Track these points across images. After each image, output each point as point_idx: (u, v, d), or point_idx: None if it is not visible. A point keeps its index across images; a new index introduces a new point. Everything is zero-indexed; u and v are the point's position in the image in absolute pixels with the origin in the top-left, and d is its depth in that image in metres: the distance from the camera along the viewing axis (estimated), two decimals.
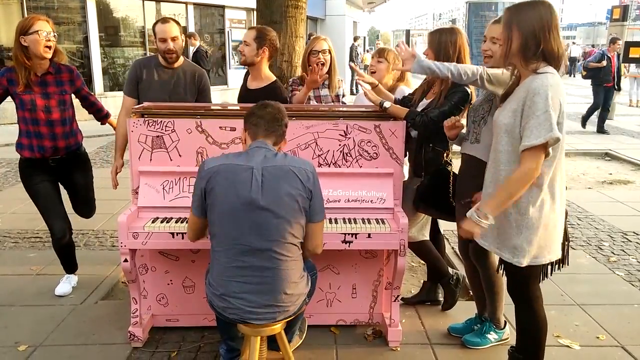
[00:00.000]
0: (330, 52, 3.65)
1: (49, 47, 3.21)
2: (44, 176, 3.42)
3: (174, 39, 3.39)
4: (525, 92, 2.19)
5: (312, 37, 3.82)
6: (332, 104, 3.72)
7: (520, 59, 2.24)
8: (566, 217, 2.44)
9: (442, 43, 2.95)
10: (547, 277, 2.48)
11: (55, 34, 3.27)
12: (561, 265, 2.48)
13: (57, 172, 3.48)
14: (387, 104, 3.03)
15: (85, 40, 12.64)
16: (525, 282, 2.42)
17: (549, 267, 2.44)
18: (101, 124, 3.77)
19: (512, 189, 2.19)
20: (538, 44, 2.18)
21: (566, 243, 2.48)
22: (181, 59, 3.53)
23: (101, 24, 13.10)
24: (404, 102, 3.24)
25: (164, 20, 3.45)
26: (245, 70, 3.71)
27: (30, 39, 3.16)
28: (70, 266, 3.75)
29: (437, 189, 3.05)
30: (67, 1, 12.39)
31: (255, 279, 2.22)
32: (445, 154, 3.10)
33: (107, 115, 3.72)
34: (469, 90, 2.98)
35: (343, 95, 3.83)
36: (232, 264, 2.23)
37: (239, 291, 2.23)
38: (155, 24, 3.47)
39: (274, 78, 3.62)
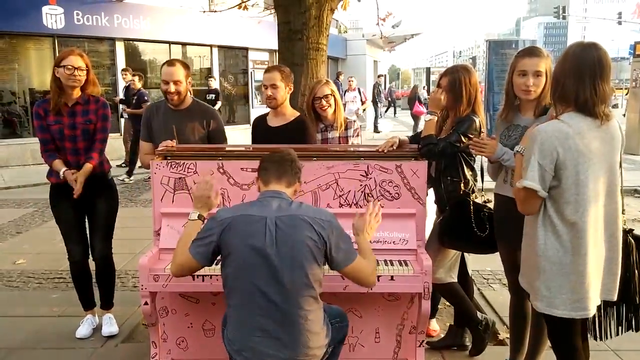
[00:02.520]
0: (334, 95, 3.66)
1: (76, 81, 3.36)
2: (68, 201, 3.46)
3: (176, 82, 3.41)
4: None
5: (315, 81, 3.84)
6: (349, 145, 3.71)
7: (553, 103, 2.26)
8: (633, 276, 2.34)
9: (459, 83, 3.03)
10: (598, 337, 2.38)
11: (88, 68, 3.42)
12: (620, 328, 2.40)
13: (82, 198, 3.46)
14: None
15: (114, 83, 13.01)
16: (557, 330, 2.33)
17: (599, 324, 2.37)
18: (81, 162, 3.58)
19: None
20: (557, 87, 2.18)
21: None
22: (189, 100, 3.55)
23: (129, 67, 13.52)
24: (416, 138, 3.28)
25: (170, 62, 3.50)
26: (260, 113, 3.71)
27: (60, 72, 3.35)
28: (86, 301, 3.74)
29: (459, 220, 3.01)
30: (96, 45, 12.85)
31: (273, 333, 2.16)
32: (462, 184, 3.08)
33: (92, 159, 3.47)
34: (477, 119, 3.02)
35: (355, 135, 3.76)
36: (250, 319, 2.18)
37: (256, 347, 2.17)
38: (163, 64, 3.53)
39: (298, 113, 3.61)
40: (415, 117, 16.20)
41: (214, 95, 12.63)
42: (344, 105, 9.73)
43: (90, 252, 3.65)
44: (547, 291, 2.25)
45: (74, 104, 3.44)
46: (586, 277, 2.21)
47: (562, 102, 2.20)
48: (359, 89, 13.35)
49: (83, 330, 3.63)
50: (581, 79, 2.14)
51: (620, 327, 2.42)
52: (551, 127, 2.15)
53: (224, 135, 3.63)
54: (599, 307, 2.31)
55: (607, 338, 2.41)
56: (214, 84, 12.23)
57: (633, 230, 2.40)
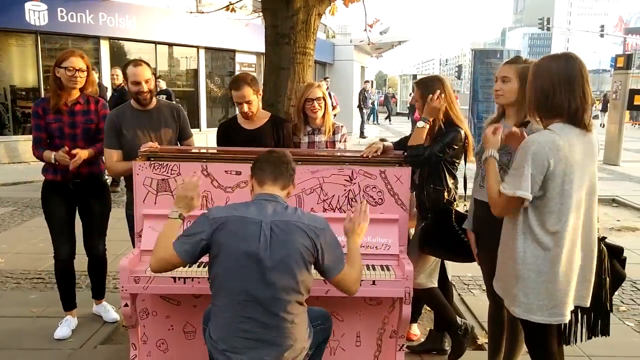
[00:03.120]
0: (324, 99, 3.69)
1: (77, 83, 3.42)
2: (62, 199, 3.54)
3: (147, 81, 3.40)
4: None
5: (306, 84, 3.87)
6: (334, 149, 3.73)
7: (534, 114, 2.28)
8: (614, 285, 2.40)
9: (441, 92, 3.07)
10: (567, 342, 2.43)
11: (89, 69, 3.49)
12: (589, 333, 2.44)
13: (76, 197, 3.56)
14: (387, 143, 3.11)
15: (98, 82, 12.86)
16: (533, 335, 2.36)
17: (569, 329, 2.40)
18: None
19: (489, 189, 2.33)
20: (547, 99, 2.20)
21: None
22: (154, 99, 3.55)
23: (114, 66, 13.41)
24: (400, 144, 3.31)
25: (136, 63, 3.47)
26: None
27: (61, 72, 3.40)
28: (68, 301, 3.74)
29: (440, 228, 3.04)
30: (81, 43, 12.71)
31: (258, 335, 2.17)
32: (445, 192, 3.12)
33: (94, 147, 3.53)
34: (461, 130, 3.07)
35: (342, 141, 3.80)
36: (236, 320, 2.17)
37: (241, 347, 2.17)
38: (126, 66, 3.50)
39: (267, 112, 3.70)
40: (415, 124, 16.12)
41: (164, 96, 11.87)
42: None
43: (77, 252, 3.69)
44: (525, 297, 2.28)
45: (74, 103, 3.48)
46: (563, 284, 2.25)
47: (550, 113, 2.22)
48: (329, 94, 12.28)
49: (62, 331, 3.60)
50: (572, 89, 2.18)
51: (589, 333, 2.46)
52: (544, 138, 2.18)
53: (189, 129, 3.70)
54: (571, 312, 2.36)
55: (575, 342, 2.45)
56: (163, 84, 11.73)
57: (606, 238, 2.46)
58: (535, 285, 2.26)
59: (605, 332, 2.46)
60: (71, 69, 3.38)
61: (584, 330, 2.44)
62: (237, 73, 16.70)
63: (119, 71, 8.66)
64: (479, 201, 2.82)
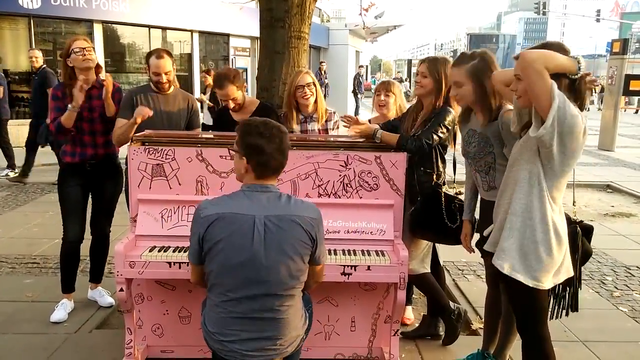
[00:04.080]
0: (314, 85, 3.67)
1: (90, 60, 3.47)
2: (78, 180, 3.62)
3: (167, 73, 3.57)
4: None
5: (295, 72, 3.86)
6: (329, 135, 3.72)
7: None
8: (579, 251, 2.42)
9: (440, 73, 3.07)
10: (556, 315, 2.46)
11: (92, 48, 3.53)
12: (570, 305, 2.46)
13: (91, 178, 3.64)
14: (378, 134, 3.07)
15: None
16: (533, 314, 2.36)
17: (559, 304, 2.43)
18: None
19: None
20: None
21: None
22: (172, 87, 3.67)
23: (107, 50, 13.30)
24: (387, 126, 3.32)
25: (159, 55, 3.56)
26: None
27: (72, 58, 3.45)
28: (69, 283, 3.77)
29: (430, 211, 3.05)
30: (74, 27, 12.57)
31: (256, 327, 2.15)
32: (435, 176, 3.13)
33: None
34: (452, 110, 3.08)
35: (335, 128, 3.79)
36: (231, 315, 2.15)
37: (237, 339, 2.15)
38: (149, 55, 3.61)
39: (255, 100, 3.79)
40: None
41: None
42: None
43: (90, 230, 3.81)
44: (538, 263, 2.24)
45: (90, 88, 3.51)
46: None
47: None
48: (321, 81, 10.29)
49: (58, 314, 3.61)
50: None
51: (559, 309, 2.49)
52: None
53: (199, 118, 3.81)
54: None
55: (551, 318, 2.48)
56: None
57: (582, 221, 2.48)
58: (549, 250, 2.25)
59: (576, 308, 2.48)
60: (78, 49, 3.44)
61: (556, 307, 2.48)
62: (231, 57, 16.69)
63: (37, 53, 7.97)
64: (487, 201, 2.78)
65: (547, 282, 2.27)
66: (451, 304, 3.31)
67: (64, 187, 3.63)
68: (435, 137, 3.00)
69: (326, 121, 3.75)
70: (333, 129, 3.77)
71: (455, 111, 3.08)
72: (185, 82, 14.97)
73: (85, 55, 3.44)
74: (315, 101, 3.69)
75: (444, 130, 3.03)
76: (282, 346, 2.21)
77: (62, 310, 3.64)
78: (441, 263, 3.63)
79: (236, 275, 2.12)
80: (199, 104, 3.90)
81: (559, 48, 2.18)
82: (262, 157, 2.14)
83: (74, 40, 3.51)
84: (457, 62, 2.71)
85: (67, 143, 3.63)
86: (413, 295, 3.95)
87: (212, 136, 3.42)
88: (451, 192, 3.16)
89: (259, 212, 2.11)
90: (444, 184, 3.17)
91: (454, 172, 3.29)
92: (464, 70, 2.65)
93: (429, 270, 3.32)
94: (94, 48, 3.58)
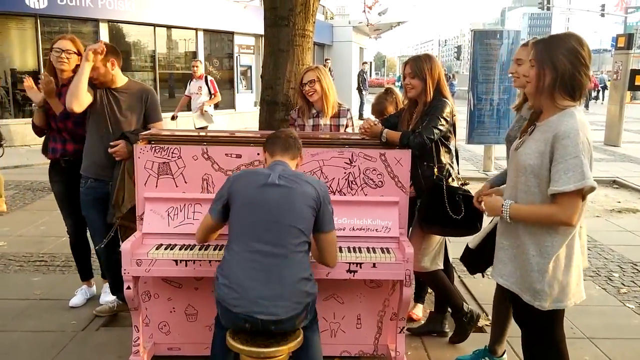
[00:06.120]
0: (319, 81, 3.66)
1: (63, 63, 3.47)
2: (59, 177, 3.70)
3: (66, 51, 3.47)
4: (552, 133, 2.09)
5: (304, 68, 3.86)
6: (334, 132, 3.72)
7: (549, 96, 2.15)
8: None
9: (424, 70, 3.11)
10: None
11: (80, 53, 3.50)
12: None
13: (69, 174, 3.64)
14: (384, 134, 3.08)
15: None
16: (551, 325, 2.35)
17: None
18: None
19: (540, 218, 2.16)
20: (572, 80, 2.10)
21: None
22: (125, 79, 3.57)
23: None
24: (387, 123, 3.34)
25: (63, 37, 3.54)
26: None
27: (51, 55, 3.52)
28: (84, 271, 3.91)
29: (434, 204, 3.06)
30: (80, 26, 12.63)
31: (264, 263, 2.31)
32: (436, 169, 3.13)
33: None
34: (448, 101, 3.09)
35: (348, 126, 3.78)
36: (244, 251, 2.35)
37: (246, 277, 2.29)
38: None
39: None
40: None
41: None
42: (190, 98, 8.77)
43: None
44: (550, 288, 2.21)
45: (62, 85, 3.53)
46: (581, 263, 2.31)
47: (568, 93, 2.13)
48: (206, 77, 8.99)
49: (77, 299, 3.78)
50: (587, 70, 2.13)
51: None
52: (579, 118, 2.09)
53: (159, 113, 3.61)
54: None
55: None
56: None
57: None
58: (562, 275, 2.21)
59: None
60: (58, 49, 3.46)
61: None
62: (235, 55, 16.68)
63: None
64: None
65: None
66: (465, 305, 3.30)
67: (51, 184, 3.78)
68: (435, 131, 3.02)
69: (338, 117, 3.75)
70: (347, 127, 3.78)
71: (450, 101, 3.11)
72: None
73: (61, 57, 3.45)
74: (322, 97, 3.69)
75: (444, 122, 3.05)
76: (290, 298, 2.29)
77: (80, 295, 3.82)
78: (450, 260, 3.63)
79: (252, 206, 2.38)
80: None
81: (577, 41, 2.12)
82: (269, 140, 2.63)
83: (59, 38, 3.52)
84: (526, 44, 2.70)
85: (48, 139, 3.71)
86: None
87: (217, 134, 3.43)
88: (456, 183, 3.15)
89: (275, 172, 2.45)
90: (449, 175, 3.16)
91: (457, 163, 3.29)
92: (528, 51, 2.42)
93: (442, 267, 3.31)
94: (81, 51, 3.49)
